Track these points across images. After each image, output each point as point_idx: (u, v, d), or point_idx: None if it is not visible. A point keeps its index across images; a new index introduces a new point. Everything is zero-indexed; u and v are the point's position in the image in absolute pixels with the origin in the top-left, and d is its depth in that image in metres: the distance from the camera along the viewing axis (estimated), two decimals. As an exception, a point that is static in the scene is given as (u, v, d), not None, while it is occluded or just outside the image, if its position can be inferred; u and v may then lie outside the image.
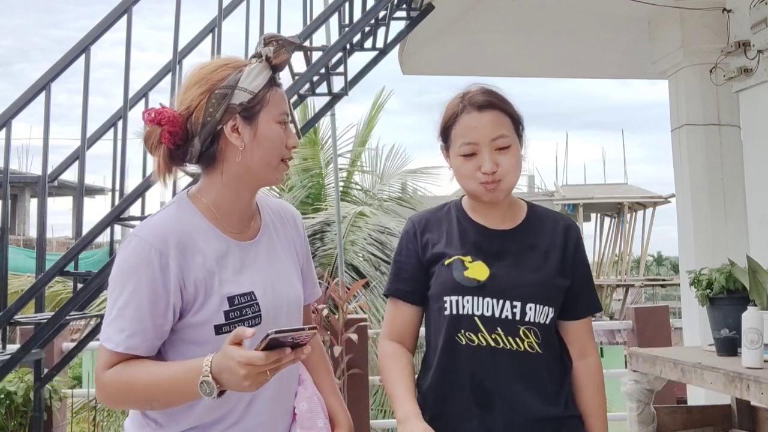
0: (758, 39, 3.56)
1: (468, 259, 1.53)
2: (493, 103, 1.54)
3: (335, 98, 3.98)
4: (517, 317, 1.49)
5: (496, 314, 1.49)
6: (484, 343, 1.49)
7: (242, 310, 1.28)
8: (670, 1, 4.02)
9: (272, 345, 1.09)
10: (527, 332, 1.50)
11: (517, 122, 1.57)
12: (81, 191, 3.08)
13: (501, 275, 1.51)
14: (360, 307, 5.25)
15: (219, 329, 1.26)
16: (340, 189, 9.25)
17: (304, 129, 4.46)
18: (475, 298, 1.49)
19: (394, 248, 7.60)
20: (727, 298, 2.58)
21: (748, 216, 3.72)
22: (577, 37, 4.88)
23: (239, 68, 1.28)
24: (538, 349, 1.50)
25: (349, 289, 4.25)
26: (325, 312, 4.15)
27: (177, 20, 3.09)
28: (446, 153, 1.59)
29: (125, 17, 3.02)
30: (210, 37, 3.42)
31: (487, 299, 1.49)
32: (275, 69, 1.31)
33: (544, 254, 1.56)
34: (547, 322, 1.52)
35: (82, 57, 3.00)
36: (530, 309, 1.50)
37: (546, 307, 1.51)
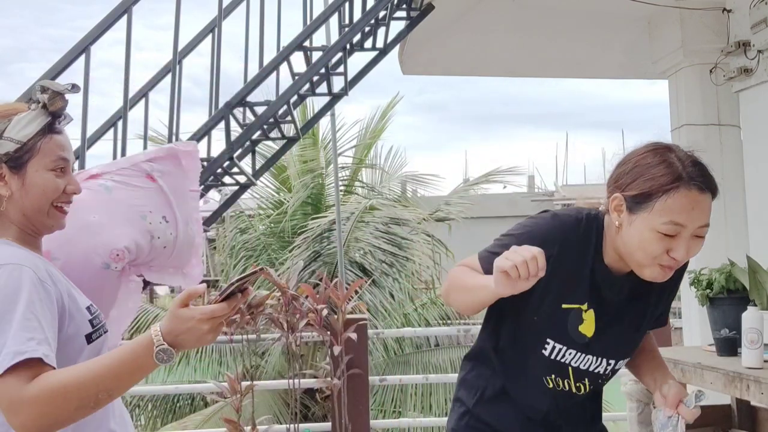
0: (758, 39, 3.56)
1: (584, 307, 1.43)
2: (714, 187, 1.47)
3: (335, 98, 3.98)
4: (608, 372, 1.51)
5: (591, 368, 1.48)
6: (567, 389, 1.50)
7: (97, 317, 1.38)
8: (670, 1, 4.03)
9: (228, 294, 1.18)
10: (605, 380, 1.55)
11: None
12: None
13: (606, 333, 1.45)
14: (359, 308, 5.25)
15: (89, 338, 1.33)
16: (344, 187, 9.26)
17: (304, 129, 4.46)
18: (579, 353, 1.46)
19: (402, 239, 7.54)
20: (727, 298, 2.58)
21: (748, 216, 3.72)
22: (577, 37, 4.88)
23: (8, 116, 1.31)
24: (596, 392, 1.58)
25: (348, 287, 4.25)
26: (325, 312, 4.15)
27: (177, 20, 3.09)
28: (629, 213, 1.40)
29: (125, 17, 3.02)
30: (210, 37, 3.43)
31: (589, 356, 1.47)
32: (54, 116, 1.33)
33: (646, 304, 1.50)
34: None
35: (82, 57, 3.00)
36: (620, 364, 1.52)
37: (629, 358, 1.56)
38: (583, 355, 1.46)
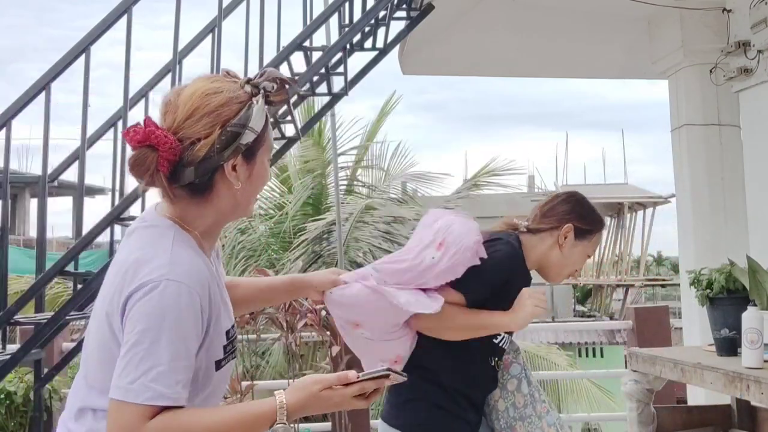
0: (758, 39, 3.56)
1: None
2: None
3: (335, 98, 3.98)
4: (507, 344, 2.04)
5: (505, 345, 1.97)
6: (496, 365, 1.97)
7: (232, 342, 1.30)
8: (670, 1, 4.02)
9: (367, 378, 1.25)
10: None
11: None
12: (81, 191, 3.08)
13: None
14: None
15: (218, 365, 1.25)
16: (345, 187, 9.26)
17: (304, 129, 4.46)
18: (505, 336, 1.96)
19: (402, 237, 7.58)
20: (727, 298, 2.58)
21: (748, 216, 3.72)
22: (577, 37, 4.88)
23: (246, 104, 1.24)
24: None
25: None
26: (324, 312, 4.15)
27: (177, 20, 3.09)
28: (575, 239, 1.98)
29: (125, 17, 3.02)
30: (210, 37, 3.42)
31: (506, 336, 1.97)
32: (270, 104, 1.28)
33: None
34: None
35: (82, 57, 3.00)
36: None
37: None
38: (507, 336, 1.94)
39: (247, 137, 1.22)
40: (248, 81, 1.27)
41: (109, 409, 1.11)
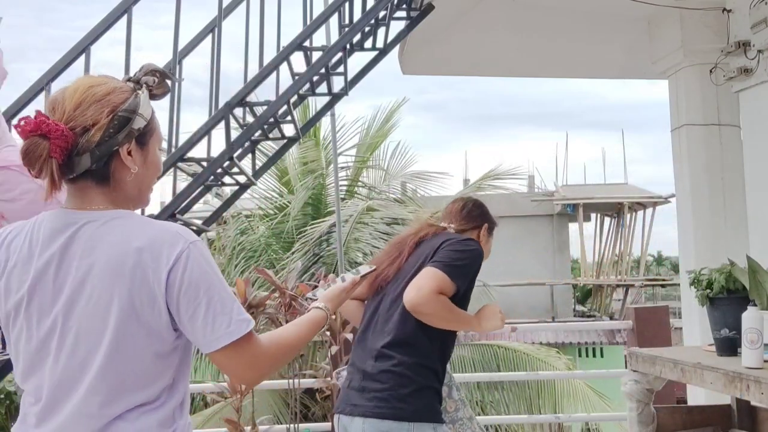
0: (758, 39, 3.56)
1: None
2: None
3: (335, 98, 3.98)
4: None
5: None
6: None
7: None
8: (670, 1, 4.03)
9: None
10: None
11: None
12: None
13: None
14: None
15: None
16: (346, 187, 9.25)
17: (303, 129, 4.46)
18: None
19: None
20: (727, 298, 2.58)
21: (748, 216, 3.72)
22: (577, 37, 4.88)
23: (134, 93, 1.30)
24: None
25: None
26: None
27: (177, 20, 3.09)
28: (488, 236, 2.41)
29: (125, 17, 3.02)
30: (210, 37, 3.42)
31: None
32: (153, 98, 1.35)
33: None
34: None
35: (82, 57, 3.00)
36: None
37: None
38: None
39: (138, 122, 1.29)
40: (129, 79, 1.34)
41: (221, 358, 1.25)
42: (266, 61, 3.25)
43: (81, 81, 1.30)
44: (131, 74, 1.35)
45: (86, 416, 1.23)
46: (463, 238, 2.23)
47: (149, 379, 1.25)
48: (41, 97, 2.94)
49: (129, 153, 1.28)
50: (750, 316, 2.27)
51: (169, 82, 1.37)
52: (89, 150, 1.23)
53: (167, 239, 1.23)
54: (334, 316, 1.57)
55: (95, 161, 1.25)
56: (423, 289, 2.01)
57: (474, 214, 2.39)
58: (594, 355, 13.28)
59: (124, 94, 1.28)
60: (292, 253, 7.69)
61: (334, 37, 3.76)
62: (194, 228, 3.42)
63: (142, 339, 1.22)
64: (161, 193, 7.40)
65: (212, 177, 3.24)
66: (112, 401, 1.22)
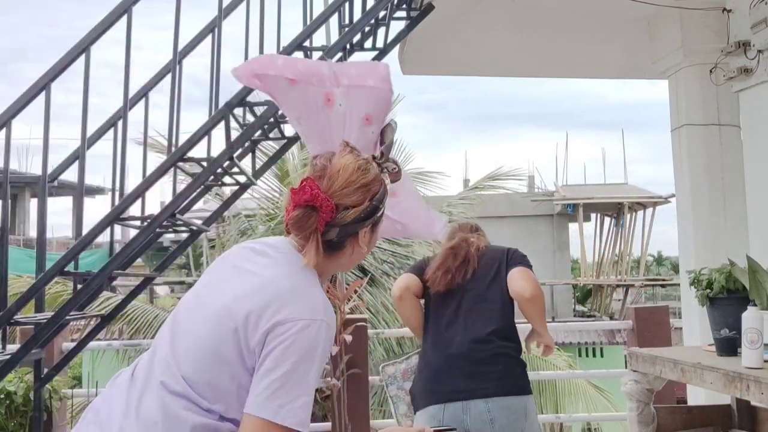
0: (758, 39, 3.56)
1: None
2: None
3: (335, 98, 3.97)
4: None
5: None
6: None
7: None
8: (670, 1, 4.03)
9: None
10: None
11: None
12: (81, 191, 3.08)
13: None
14: (359, 308, 5.25)
15: None
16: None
17: (304, 129, 4.45)
18: None
19: (403, 240, 7.84)
20: (727, 298, 2.57)
21: (748, 216, 3.72)
22: (577, 37, 4.88)
23: (383, 183, 1.46)
24: None
25: (347, 288, 4.25)
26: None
27: (177, 20, 3.09)
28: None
29: (125, 17, 3.02)
30: (210, 37, 3.42)
31: None
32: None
33: None
34: None
35: (82, 57, 2.99)
36: None
37: None
38: None
39: (379, 211, 1.46)
40: (374, 159, 1.49)
41: (249, 423, 1.23)
42: (266, 61, 3.24)
43: (347, 160, 1.42)
44: (377, 157, 1.50)
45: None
46: (516, 249, 2.71)
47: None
48: (41, 97, 2.94)
49: (365, 234, 1.45)
50: (750, 316, 2.27)
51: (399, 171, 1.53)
52: (340, 225, 1.39)
53: (306, 302, 1.30)
54: None
55: (339, 236, 1.40)
56: (534, 282, 2.52)
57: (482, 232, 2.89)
58: (594, 355, 13.29)
59: (379, 185, 1.45)
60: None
61: (334, 37, 3.75)
62: (194, 228, 3.42)
63: (234, 357, 1.28)
64: (161, 193, 7.42)
65: (212, 177, 3.24)
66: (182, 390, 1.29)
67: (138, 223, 3.11)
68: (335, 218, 1.37)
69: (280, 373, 1.24)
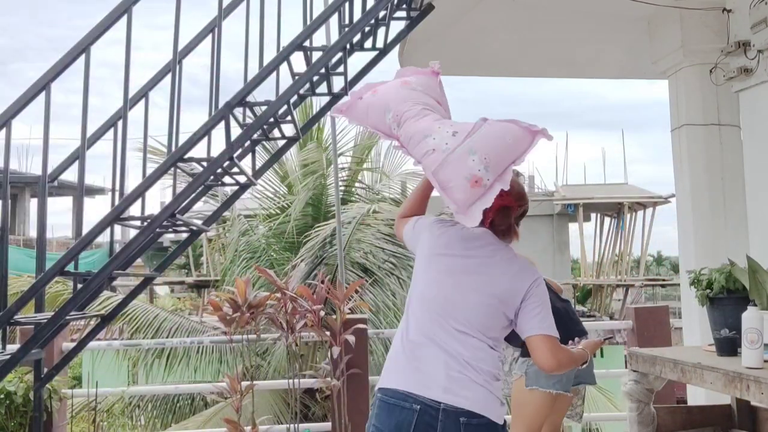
0: (758, 39, 3.56)
1: None
2: None
3: (335, 98, 3.97)
4: None
5: None
6: None
7: None
8: (670, 1, 4.03)
9: None
10: None
11: None
12: (81, 191, 3.08)
13: None
14: (359, 308, 5.25)
15: None
16: (345, 188, 9.24)
17: (303, 129, 4.46)
18: None
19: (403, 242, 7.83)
20: (727, 298, 2.58)
21: (748, 216, 3.72)
22: (577, 37, 4.88)
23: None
24: None
25: (347, 288, 4.25)
26: (323, 313, 4.15)
27: (177, 20, 3.09)
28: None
29: (125, 17, 3.02)
30: (210, 37, 3.42)
31: None
32: None
33: None
34: None
35: (82, 57, 2.99)
36: None
37: None
38: None
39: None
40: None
41: (539, 341, 2.06)
42: (266, 61, 3.25)
43: (515, 180, 2.17)
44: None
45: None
46: None
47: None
48: (41, 97, 2.94)
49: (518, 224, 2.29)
50: (750, 316, 2.27)
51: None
52: (515, 218, 2.25)
53: (533, 269, 2.19)
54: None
55: (514, 224, 2.25)
56: None
57: None
58: (594, 355, 13.26)
59: (528, 198, 2.34)
60: (300, 258, 7.66)
61: (334, 37, 3.75)
62: (194, 228, 3.42)
63: (507, 312, 2.12)
64: (161, 193, 7.41)
65: (212, 177, 3.24)
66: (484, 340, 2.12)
67: (138, 223, 3.11)
68: (517, 215, 2.27)
69: (540, 309, 2.08)
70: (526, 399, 2.96)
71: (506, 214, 2.18)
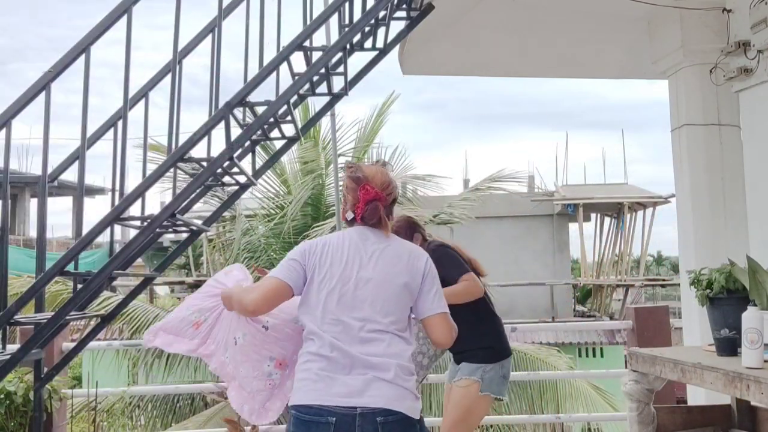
0: (758, 39, 3.56)
1: None
2: None
3: (335, 98, 3.98)
4: None
5: None
6: None
7: None
8: (670, 1, 4.03)
9: None
10: None
11: None
12: (81, 191, 3.08)
13: None
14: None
15: None
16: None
17: (303, 129, 4.46)
18: None
19: None
20: (727, 298, 2.58)
21: (748, 216, 3.72)
22: (577, 37, 4.88)
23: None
24: None
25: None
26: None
27: (177, 20, 3.09)
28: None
29: (125, 17, 3.02)
30: (210, 37, 3.42)
31: None
32: None
33: None
34: None
35: (82, 57, 2.99)
36: None
37: None
38: None
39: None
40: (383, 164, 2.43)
41: (436, 319, 2.20)
42: (266, 61, 3.25)
43: (379, 170, 2.34)
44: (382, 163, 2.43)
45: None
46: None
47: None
48: (41, 97, 2.94)
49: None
50: (750, 316, 2.27)
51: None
52: (387, 209, 2.29)
53: (420, 250, 2.33)
54: None
55: (384, 216, 2.26)
56: None
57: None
58: (594, 355, 13.28)
59: (395, 183, 2.34)
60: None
61: (334, 37, 3.75)
62: (194, 227, 3.41)
63: (410, 297, 2.22)
64: (161, 193, 7.41)
65: (212, 177, 3.24)
66: (391, 323, 2.19)
67: (138, 223, 3.11)
68: (387, 206, 2.28)
69: (435, 288, 2.25)
70: (478, 405, 3.03)
71: (374, 207, 2.20)
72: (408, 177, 9.68)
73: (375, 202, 2.20)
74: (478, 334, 3.09)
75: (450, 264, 3.02)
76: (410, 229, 3.19)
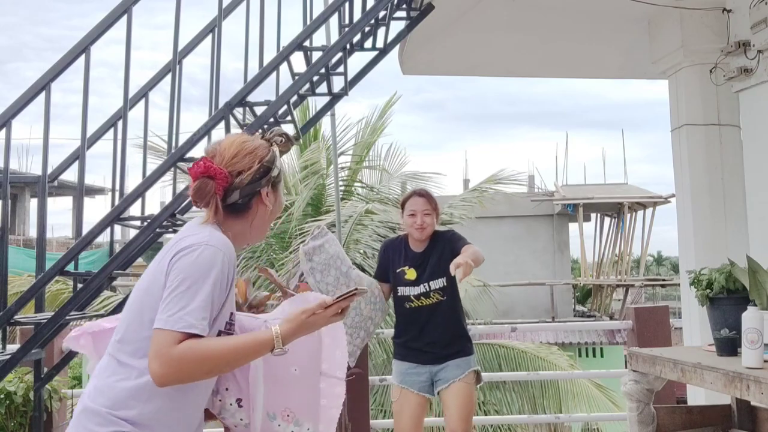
0: (758, 39, 3.56)
1: (405, 268, 3.23)
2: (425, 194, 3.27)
3: (335, 98, 3.98)
4: (431, 289, 3.18)
5: (420, 291, 3.19)
6: (417, 306, 3.20)
7: (232, 327, 1.66)
8: (670, 1, 4.03)
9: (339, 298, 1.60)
10: (434, 293, 3.19)
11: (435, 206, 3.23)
12: (81, 191, 3.08)
13: (420, 274, 3.20)
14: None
15: (219, 334, 1.59)
16: (344, 188, 9.24)
17: (303, 129, 4.46)
18: (410, 287, 3.21)
19: None
20: (727, 298, 2.58)
21: (748, 216, 3.72)
22: (577, 37, 4.88)
23: (271, 148, 1.71)
24: (442, 298, 3.19)
25: (349, 289, 4.25)
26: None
27: (177, 20, 3.09)
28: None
29: (125, 17, 3.02)
30: (210, 37, 3.42)
31: (416, 287, 3.21)
32: (279, 154, 1.75)
33: (435, 254, 3.22)
34: (444, 284, 3.18)
35: (82, 57, 2.99)
36: (435, 283, 3.18)
37: (440, 279, 3.17)
38: (412, 287, 3.21)
39: (275, 171, 1.70)
40: (262, 137, 1.73)
41: (152, 337, 1.46)
42: (266, 61, 3.25)
43: (234, 137, 1.71)
44: (264, 134, 1.76)
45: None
46: None
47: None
48: (41, 97, 2.94)
49: (267, 194, 1.69)
50: (750, 316, 2.27)
51: (291, 144, 1.78)
52: (239, 188, 1.64)
53: (196, 236, 1.56)
54: (283, 348, 1.53)
55: (243, 197, 1.65)
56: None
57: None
58: (594, 355, 13.28)
59: (266, 150, 1.70)
60: (291, 252, 7.67)
61: (334, 37, 3.76)
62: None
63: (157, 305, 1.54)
64: (161, 193, 7.41)
65: (212, 177, 3.23)
66: (114, 352, 1.60)
67: (138, 223, 3.11)
68: (233, 183, 1.63)
69: (169, 291, 1.48)
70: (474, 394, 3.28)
71: (200, 187, 1.59)
72: (405, 176, 9.68)
73: (203, 181, 1.59)
74: (464, 326, 3.30)
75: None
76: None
